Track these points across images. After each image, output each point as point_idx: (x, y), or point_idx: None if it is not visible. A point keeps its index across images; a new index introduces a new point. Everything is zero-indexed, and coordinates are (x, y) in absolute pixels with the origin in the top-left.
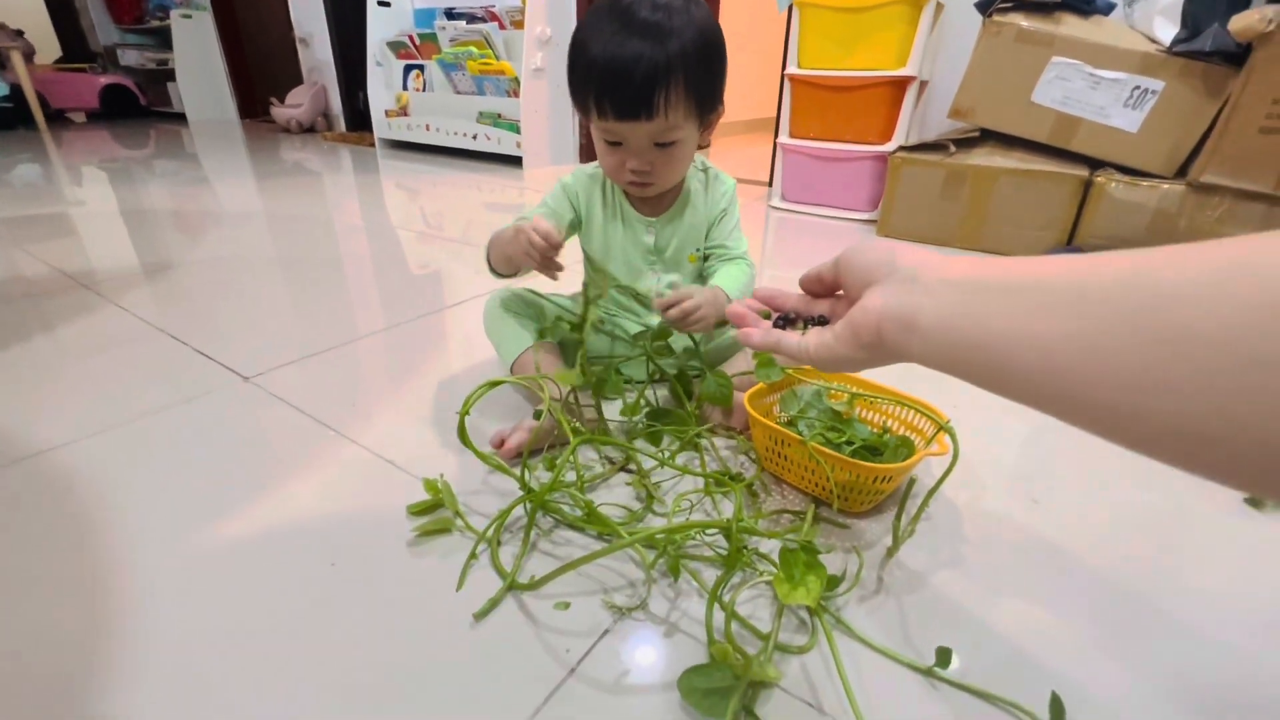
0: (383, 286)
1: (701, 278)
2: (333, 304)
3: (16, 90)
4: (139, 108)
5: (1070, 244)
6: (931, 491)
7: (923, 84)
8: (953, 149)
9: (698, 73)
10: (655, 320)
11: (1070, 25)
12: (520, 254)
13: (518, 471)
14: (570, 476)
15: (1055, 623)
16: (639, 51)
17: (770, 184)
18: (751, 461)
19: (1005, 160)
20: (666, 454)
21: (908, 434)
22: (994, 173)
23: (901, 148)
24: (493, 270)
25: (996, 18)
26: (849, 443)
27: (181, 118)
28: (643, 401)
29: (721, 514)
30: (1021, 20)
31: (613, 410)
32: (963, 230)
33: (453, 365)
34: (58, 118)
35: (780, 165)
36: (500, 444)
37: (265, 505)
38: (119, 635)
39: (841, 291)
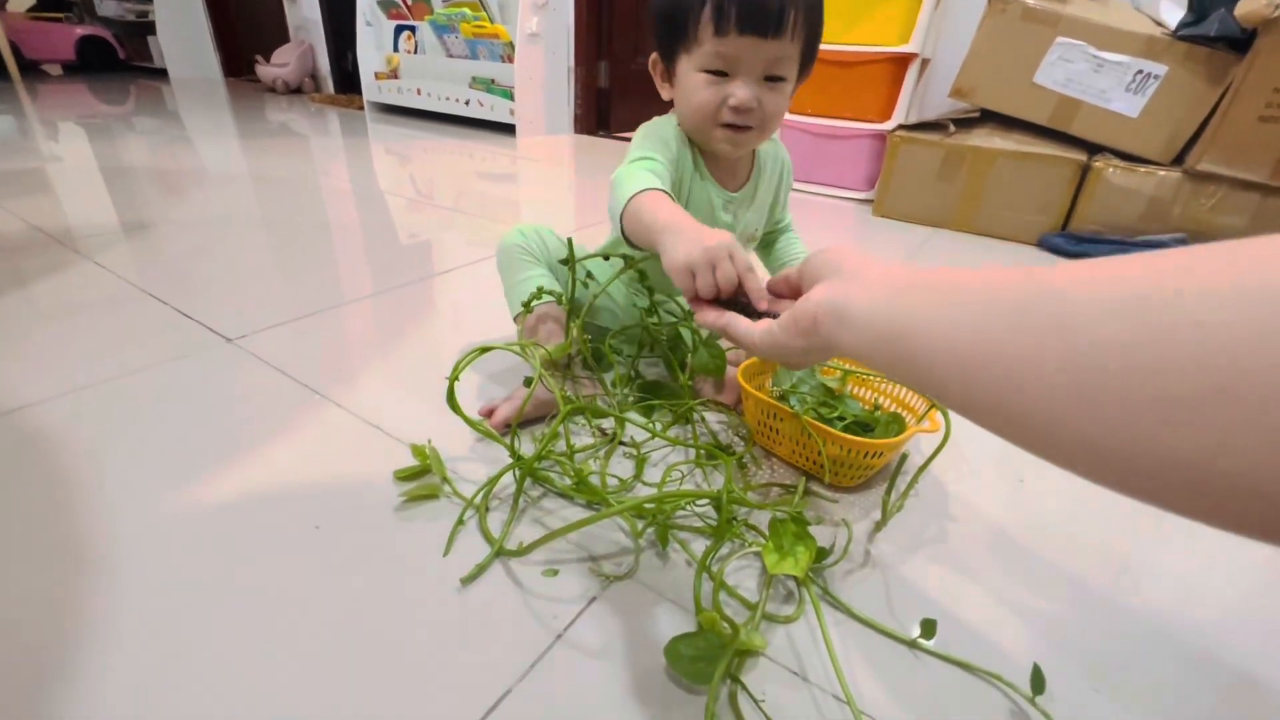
0: (371, 252)
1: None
2: (319, 268)
3: None
4: (117, 61)
5: (1065, 229)
6: (922, 468)
7: (925, 62)
8: (952, 129)
9: (813, 18)
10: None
11: (1077, 5)
12: (704, 276)
13: (507, 440)
14: (561, 446)
15: (1038, 599)
16: None
17: None
18: (742, 439)
19: (1004, 142)
20: (658, 426)
21: (899, 411)
22: (992, 154)
23: (901, 126)
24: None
25: None
26: (841, 418)
27: (162, 73)
28: (634, 374)
29: (712, 486)
30: None
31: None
32: (958, 212)
33: (442, 332)
34: (32, 69)
35: None
36: (489, 414)
37: (248, 468)
38: (95, 596)
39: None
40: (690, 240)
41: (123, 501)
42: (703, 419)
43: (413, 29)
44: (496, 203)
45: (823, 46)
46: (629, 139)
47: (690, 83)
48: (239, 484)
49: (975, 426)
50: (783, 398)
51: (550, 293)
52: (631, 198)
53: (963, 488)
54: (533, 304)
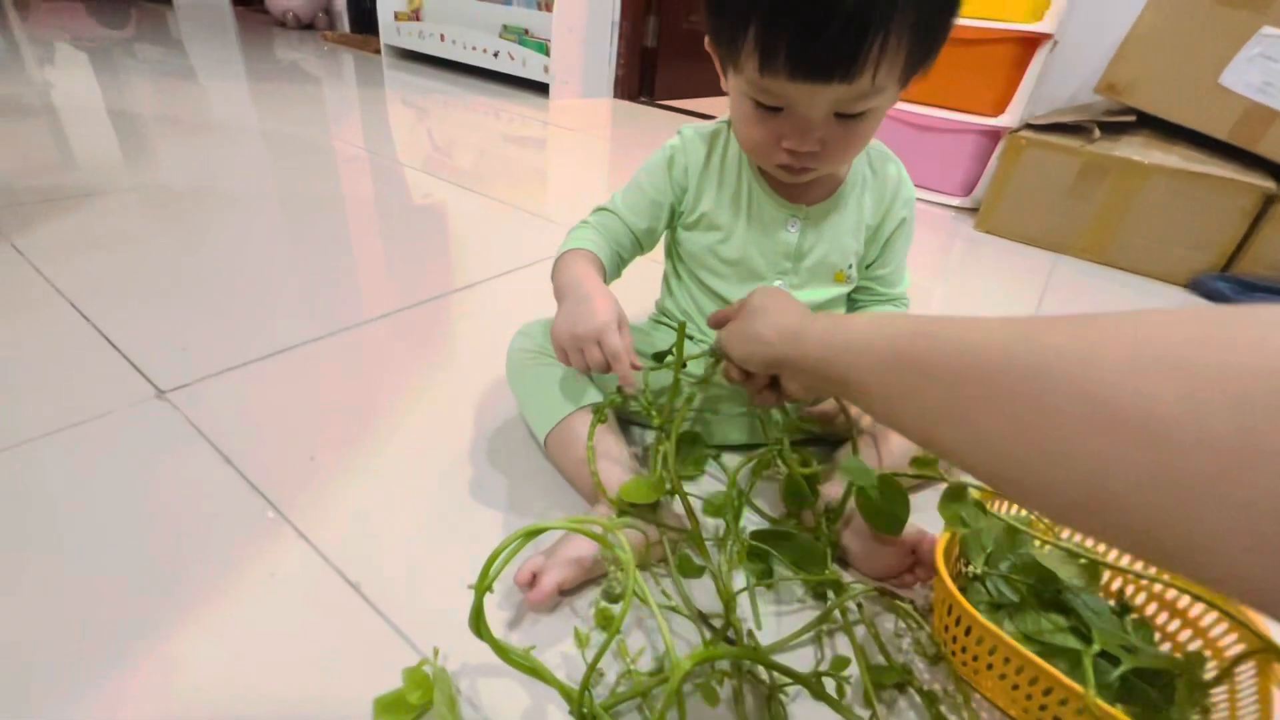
0: (380, 255)
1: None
2: (300, 280)
3: None
4: None
5: (1225, 270)
6: None
7: (1054, 45)
8: (1097, 134)
9: (931, 11)
10: None
11: None
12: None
13: (560, 677)
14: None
15: None
16: None
17: None
18: (927, 655)
19: (1165, 156)
20: (782, 625)
21: (1201, 650)
22: (1146, 170)
23: (1029, 125)
24: None
25: None
26: (1110, 655)
27: None
28: (735, 493)
29: None
30: None
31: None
32: (1089, 237)
33: (457, 390)
34: None
35: None
36: (531, 580)
37: (142, 664)
38: None
39: None
40: (565, 317)
41: None
42: (860, 608)
43: None
44: (521, 175)
45: None
46: (674, 108)
47: (739, 108)
48: (124, 694)
49: None
50: (978, 580)
51: (616, 401)
52: (561, 255)
53: None
54: (600, 410)
